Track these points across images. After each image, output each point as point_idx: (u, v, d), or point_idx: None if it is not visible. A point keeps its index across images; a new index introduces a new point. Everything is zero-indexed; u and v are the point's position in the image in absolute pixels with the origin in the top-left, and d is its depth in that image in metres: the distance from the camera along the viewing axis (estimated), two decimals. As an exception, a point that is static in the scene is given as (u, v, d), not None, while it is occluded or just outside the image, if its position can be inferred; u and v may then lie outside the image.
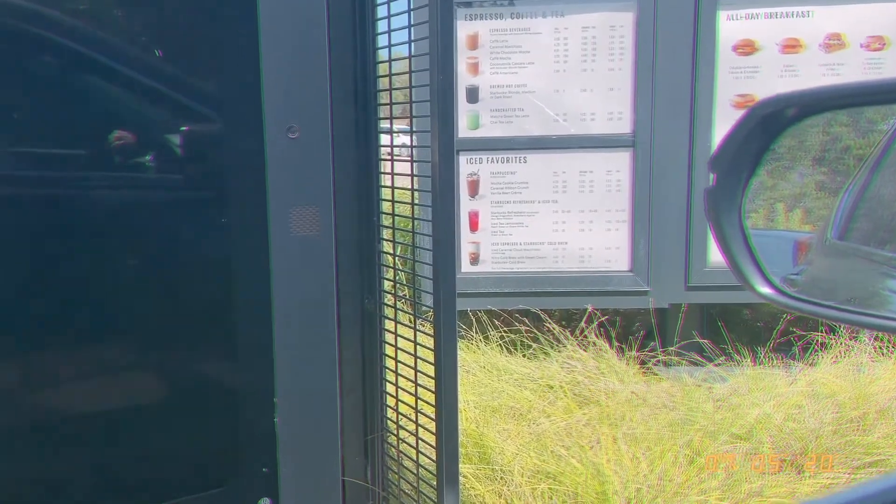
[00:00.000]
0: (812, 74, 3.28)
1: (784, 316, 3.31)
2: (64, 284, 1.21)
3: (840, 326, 3.03)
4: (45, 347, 1.21)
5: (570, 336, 3.31)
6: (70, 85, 1.20)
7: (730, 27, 3.30)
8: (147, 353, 1.30)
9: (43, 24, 1.15)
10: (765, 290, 0.62)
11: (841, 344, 3.18)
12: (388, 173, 1.61)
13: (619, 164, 3.38)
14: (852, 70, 3.27)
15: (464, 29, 3.35)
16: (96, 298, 1.24)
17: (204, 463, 1.36)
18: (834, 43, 3.29)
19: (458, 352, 1.54)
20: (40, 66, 1.17)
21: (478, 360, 3.20)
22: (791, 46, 3.30)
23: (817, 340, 3.24)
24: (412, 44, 1.53)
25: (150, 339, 1.30)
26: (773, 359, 3.22)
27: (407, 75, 1.54)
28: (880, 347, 3.16)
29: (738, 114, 3.36)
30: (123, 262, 1.26)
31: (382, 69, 1.58)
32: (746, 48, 3.31)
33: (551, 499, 2.18)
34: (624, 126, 3.36)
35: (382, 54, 1.60)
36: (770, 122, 0.58)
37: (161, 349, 1.32)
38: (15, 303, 1.17)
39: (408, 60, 1.54)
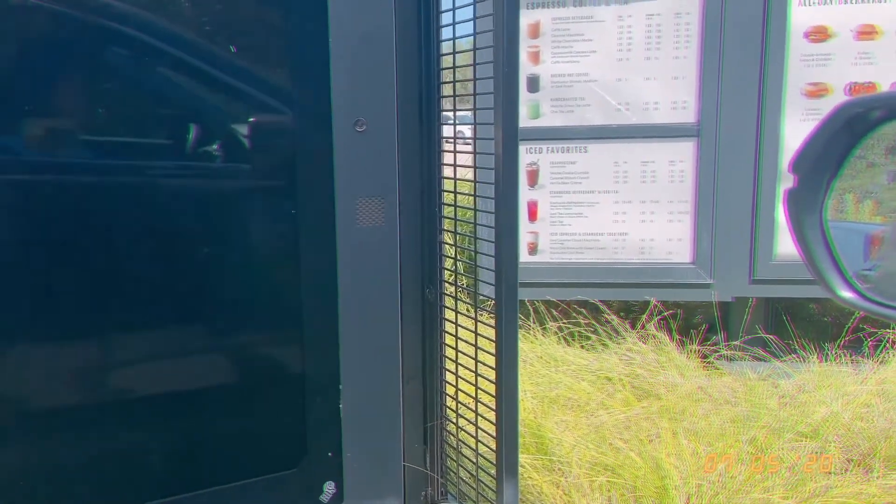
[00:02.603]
0: (889, 62, 3.15)
1: (854, 313, 3.20)
2: (139, 275, 1.27)
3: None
4: (122, 335, 1.27)
5: (629, 328, 3.28)
6: (142, 79, 1.25)
7: (801, 13, 3.19)
8: (221, 341, 1.35)
9: (113, 18, 1.20)
10: (847, 294, 0.61)
11: (914, 342, 3.07)
12: (450, 164, 1.62)
13: (682, 155, 3.32)
14: (933, 56, 3.12)
15: (525, 17, 3.32)
16: (172, 288, 1.29)
17: (277, 445, 1.41)
18: (913, 28, 3.15)
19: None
20: (112, 60, 1.22)
21: (535, 350, 3.20)
22: (867, 33, 3.17)
23: (889, 338, 3.13)
24: (476, 36, 1.54)
25: (223, 328, 1.35)
26: (841, 356, 3.13)
27: (471, 67, 1.54)
28: (957, 346, 3.03)
29: (809, 103, 3.27)
30: (199, 252, 1.31)
31: (446, 61, 1.59)
32: (819, 35, 3.19)
33: (610, 491, 2.17)
34: (688, 116, 3.29)
35: (446, 46, 1.60)
36: (855, 124, 0.57)
37: (235, 337, 1.36)
38: (92, 291, 1.23)
39: (472, 53, 1.55)
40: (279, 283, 1.39)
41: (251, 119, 1.33)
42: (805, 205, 0.59)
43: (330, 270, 1.38)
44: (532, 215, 3.46)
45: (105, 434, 1.27)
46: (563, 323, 3.38)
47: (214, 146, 1.32)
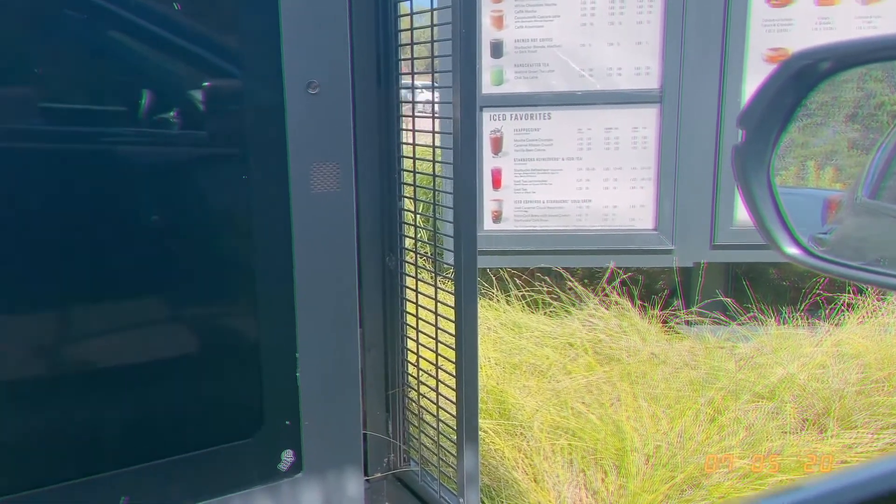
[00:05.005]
0: (848, 27, 3.17)
1: (812, 276, 3.26)
2: (89, 245, 1.22)
3: (868, 287, 2.99)
4: (73, 306, 1.23)
5: (591, 294, 3.31)
6: (83, 40, 1.20)
7: (764, -22, 3.19)
8: (174, 310, 1.32)
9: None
10: (792, 250, 0.61)
11: (868, 305, 3.14)
12: (409, 130, 1.59)
13: (645, 121, 3.32)
14: (890, 23, 3.15)
15: (488, -19, 3.27)
16: (122, 257, 1.25)
17: (232, 415, 1.39)
18: (872, -6, 3.17)
19: (479, 309, 1.53)
20: (54, 20, 1.16)
21: (499, 318, 3.21)
22: (827, -2, 3.19)
23: (844, 301, 3.20)
24: (435, -4, 1.50)
25: (175, 297, 1.31)
26: (798, 319, 3.19)
27: (429, 29, 1.51)
28: (909, 308, 3.11)
29: (770, 68, 3.28)
30: (148, 220, 1.27)
31: (404, 23, 1.55)
32: (780, 0, 3.20)
33: (571, 454, 2.20)
34: (651, 81, 3.28)
35: (405, 7, 1.56)
36: (803, 76, 0.56)
37: (187, 306, 1.33)
38: (39, 260, 1.19)
39: (430, 14, 1.51)
40: (232, 251, 1.36)
41: (199, 83, 1.28)
42: (752, 160, 0.58)
43: (284, 237, 1.35)
44: (496, 183, 3.45)
45: (56, 405, 1.23)
46: (527, 291, 3.39)
47: (162, 111, 1.27)
